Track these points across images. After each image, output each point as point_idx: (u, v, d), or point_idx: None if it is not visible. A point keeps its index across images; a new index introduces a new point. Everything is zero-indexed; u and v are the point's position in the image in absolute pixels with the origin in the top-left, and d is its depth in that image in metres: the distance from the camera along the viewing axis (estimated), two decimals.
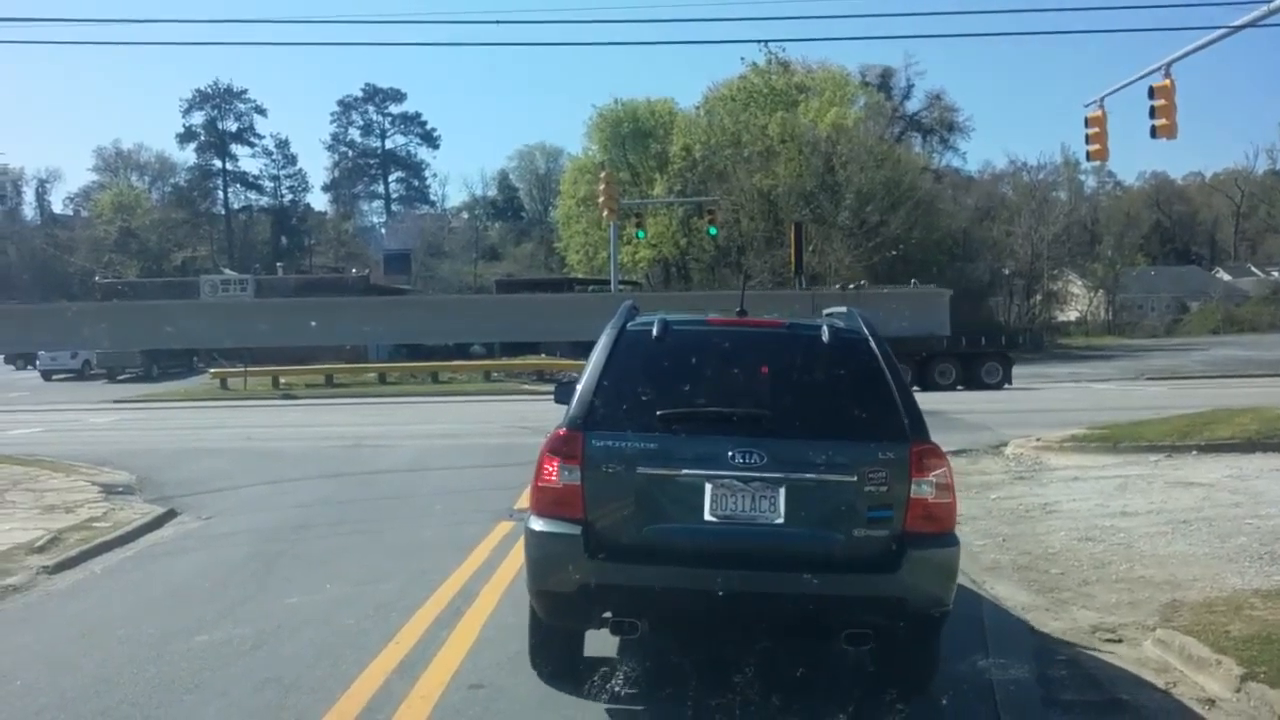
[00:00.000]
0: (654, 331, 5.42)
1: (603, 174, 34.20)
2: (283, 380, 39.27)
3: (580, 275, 60.52)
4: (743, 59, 58.92)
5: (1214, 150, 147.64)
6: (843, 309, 6.10)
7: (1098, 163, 23.12)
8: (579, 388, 5.28)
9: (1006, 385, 32.64)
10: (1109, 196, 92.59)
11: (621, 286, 53.76)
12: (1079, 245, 75.56)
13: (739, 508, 4.93)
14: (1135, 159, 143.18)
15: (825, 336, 5.44)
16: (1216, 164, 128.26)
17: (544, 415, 20.14)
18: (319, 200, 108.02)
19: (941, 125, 63.37)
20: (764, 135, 53.07)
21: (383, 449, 17.01)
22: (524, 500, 11.12)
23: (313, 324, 34.52)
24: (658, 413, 5.10)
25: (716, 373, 5.36)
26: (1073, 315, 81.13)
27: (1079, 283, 79.24)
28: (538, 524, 5.09)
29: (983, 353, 34.70)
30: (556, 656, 5.47)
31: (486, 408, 26.67)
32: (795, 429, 5.10)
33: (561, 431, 5.14)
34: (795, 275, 40.08)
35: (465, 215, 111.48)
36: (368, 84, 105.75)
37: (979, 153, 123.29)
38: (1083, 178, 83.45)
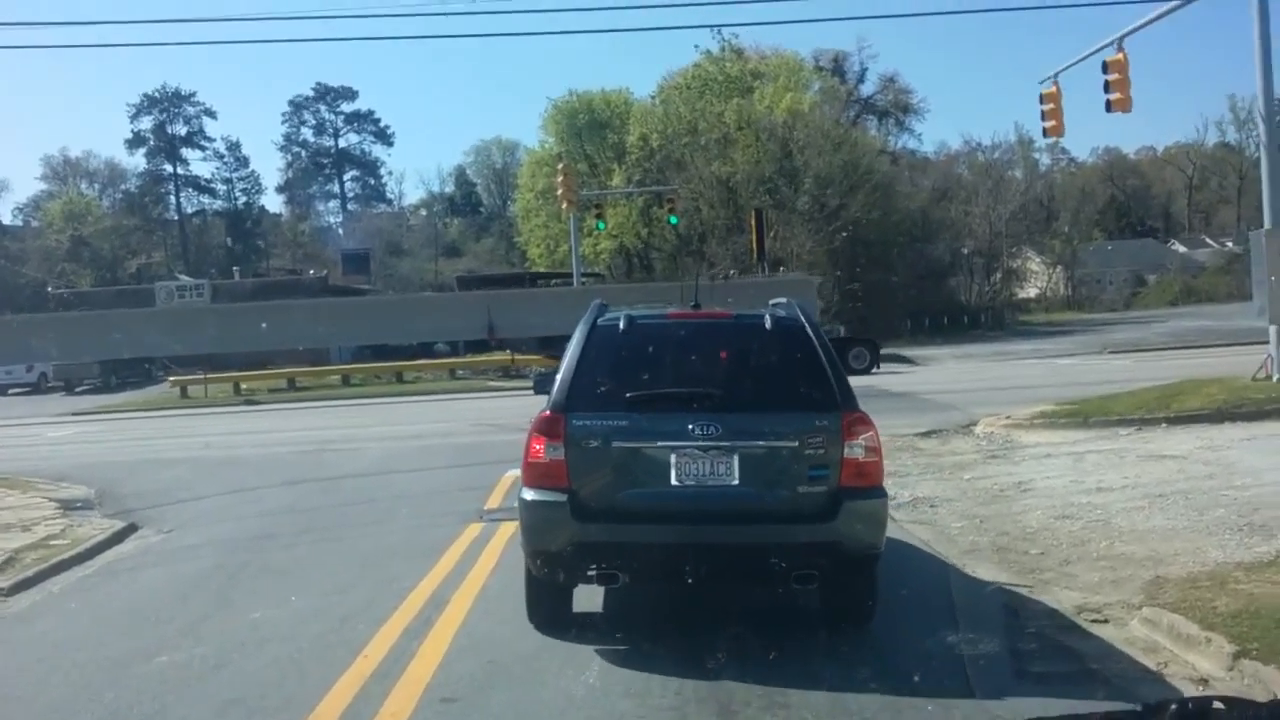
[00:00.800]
0: (621, 325, 6.27)
1: (560, 165, 33.86)
2: (244, 386, 38.69)
3: (542, 269, 60.15)
4: (696, 46, 58.80)
5: (1165, 124, 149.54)
6: (783, 300, 6.86)
7: (1053, 139, 23.23)
8: (558, 376, 6.07)
9: (874, 370, 33.10)
10: (1064, 173, 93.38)
11: (584, 279, 53.47)
12: (1036, 222, 76.20)
13: (700, 473, 5.79)
14: (1088, 135, 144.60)
15: (768, 324, 6.30)
16: (1168, 137, 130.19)
17: (511, 412, 19.82)
18: (274, 202, 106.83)
19: (896, 107, 63.49)
20: (720, 123, 52.94)
21: (347, 453, 16.70)
22: (494, 500, 10.94)
23: (263, 326, 34.05)
24: (627, 395, 5.96)
25: (676, 359, 6.26)
26: (1033, 292, 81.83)
27: (1037, 260, 79.87)
28: (529, 494, 5.97)
29: (850, 339, 36.22)
30: (549, 609, 6.24)
31: (453, 406, 26.37)
32: (745, 404, 5.99)
33: (546, 414, 5.98)
34: (757, 261, 40.04)
35: (424, 213, 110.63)
36: (318, 83, 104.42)
37: (935, 134, 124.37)
38: (1037, 155, 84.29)
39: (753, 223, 39.88)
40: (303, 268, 71.95)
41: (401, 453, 16.16)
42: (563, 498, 5.82)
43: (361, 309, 40.65)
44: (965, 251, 66.85)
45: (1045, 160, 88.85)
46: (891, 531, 8.91)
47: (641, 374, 6.10)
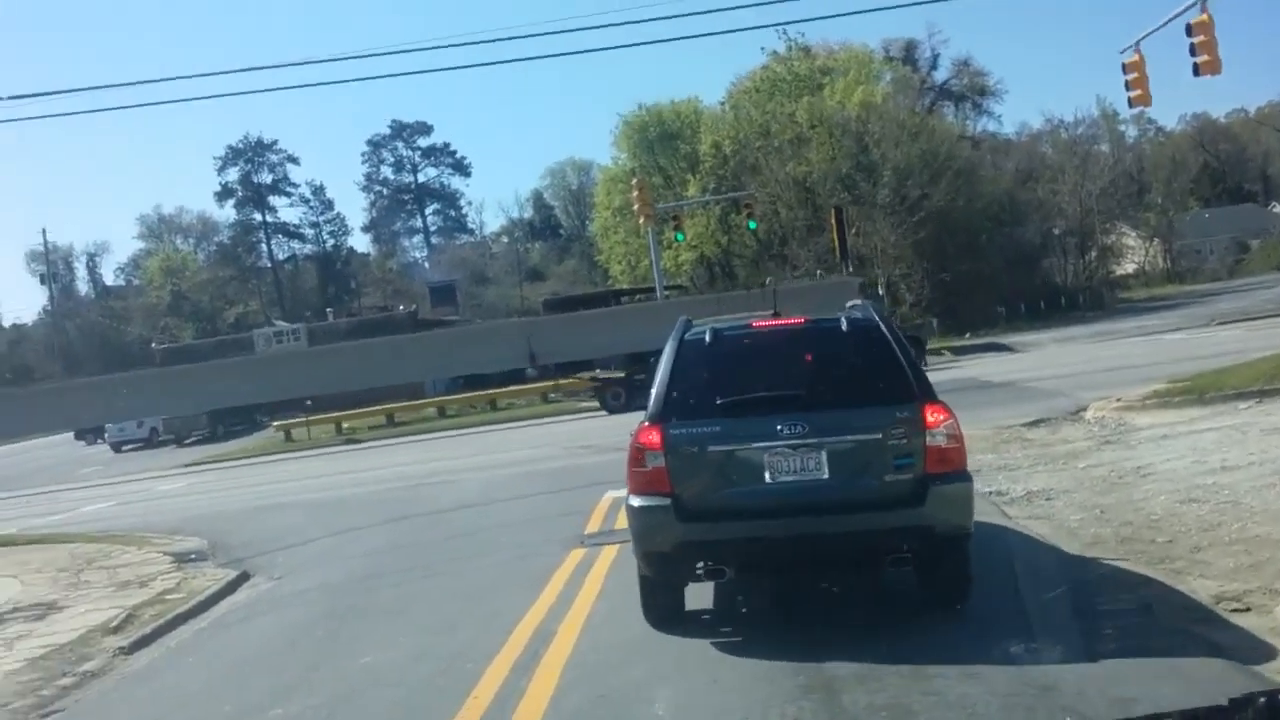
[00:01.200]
0: (707, 338, 6.72)
1: (634, 180, 33.76)
2: (345, 425, 39.44)
3: (625, 285, 60.21)
4: (763, 49, 58.35)
5: (1255, 83, 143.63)
6: (858, 302, 7.52)
7: (1138, 109, 22.32)
8: (653, 390, 6.55)
9: (923, 365, 32.29)
10: (1152, 143, 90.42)
11: (667, 292, 53.30)
12: (1127, 196, 73.83)
13: (791, 470, 6.15)
14: (1174, 102, 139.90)
15: (844, 326, 6.73)
16: (1260, 97, 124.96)
17: (603, 432, 19.79)
18: (360, 241, 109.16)
19: (972, 91, 62.08)
20: (793, 122, 52.42)
21: (447, 485, 16.79)
22: (594, 523, 10.83)
23: (355, 366, 34.96)
24: (718, 401, 6.38)
25: (760, 364, 6.70)
26: (1130, 268, 79.32)
27: (1133, 235, 77.41)
28: (636, 500, 6.39)
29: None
30: (662, 608, 6.64)
31: (546, 430, 26.45)
32: (828, 402, 6.35)
33: (645, 425, 6.42)
34: (840, 260, 39.45)
35: (505, 240, 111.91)
36: (394, 120, 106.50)
37: (1014, 115, 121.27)
38: (1123, 128, 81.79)
39: (833, 221, 39.31)
40: (392, 304, 73.26)
41: (499, 481, 16.20)
42: (666, 501, 6.24)
43: (418, 345, 41.02)
44: (1056, 232, 65.07)
45: (1132, 132, 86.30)
46: (1007, 528, 8.63)
47: (730, 381, 6.53)
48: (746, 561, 6.35)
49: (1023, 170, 68.05)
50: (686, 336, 6.80)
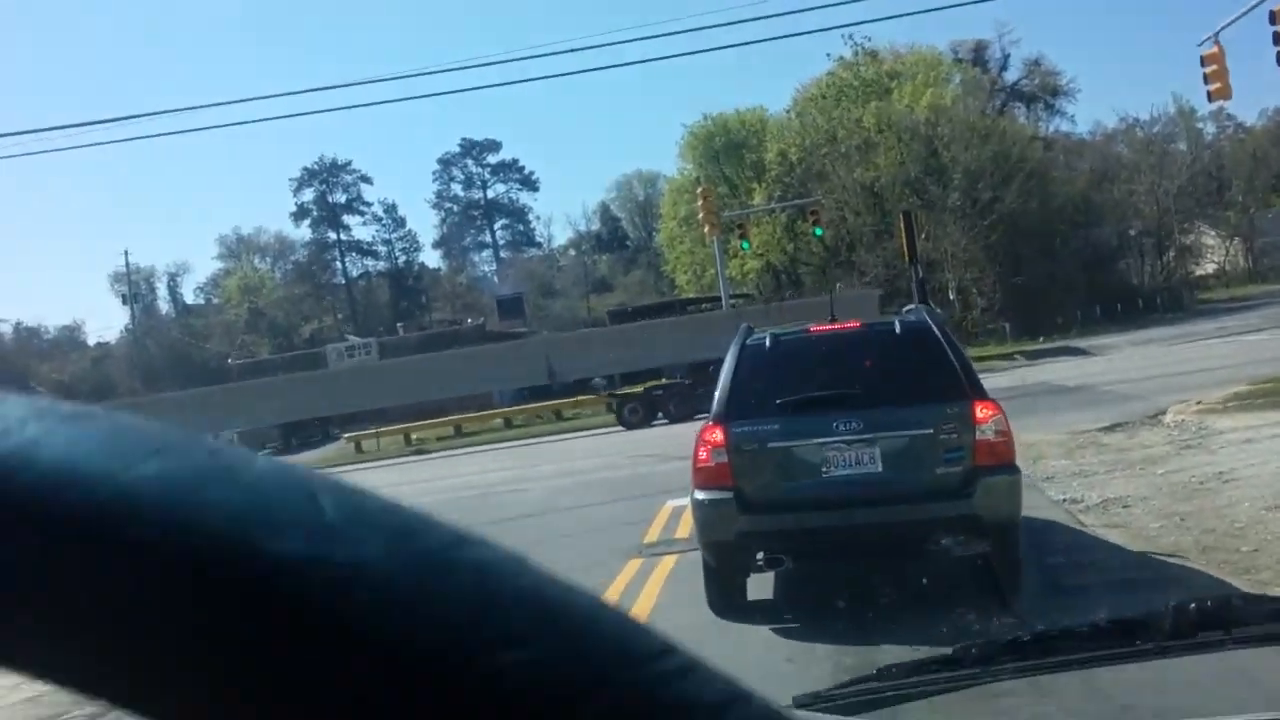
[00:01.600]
0: (767, 343, 7.13)
1: (699, 189, 33.58)
2: (414, 436, 39.84)
3: (691, 295, 60.07)
4: (828, 55, 57.96)
5: None
6: (913, 306, 8.22)
7: (1217, 104, 21.65)
8: (717, 392, 6.97)
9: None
10: (1231, 140, 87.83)
11: (733, 300, 52.99)
12: (1206, 195, 71.82)
13: (846, 464, 6.54)
14: (1254, 97, 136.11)
15: (897, 329, 7.17)
16: None
17: (666, 441, 19.50)
18: (432, 257, 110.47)
19: (1044, 91, 60.80)
20: (860, 128, 51.90)
21: (512, 494, 16.76)
22: (653, 533, 10.68)
23: (428, 379, 35.48)
24: (777, 401, 6.78)
25: (817, 367, 7.05)
26: (1210, 268, 77.05)
27: (1212, 234, 75.22)
28: (700, 494, 6.81)
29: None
30: (725, 597, 6.95)
31: (610, 440, 26.39)
32: (882, 400, 6.69)
33: (709, 425, 6.87)
34: (910, 265, 38.85)
35: (572, 252, 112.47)
36: (464, 138, 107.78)
37: (1088, 115, 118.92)
38: (1201, 125, 79.55)
39: (901, 225, 38.71)
40: (461, 317, 74.08)
41: (562, 490, 16.13)
42: (729, 495, 6.64)
43: (516, 350, 41.36)
44: (1132, 233, 63.53)
45: (1210, 129, 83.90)
46: (1083, 533, 8.31)
47: (787, 383, 6.91)
48: (804, 551, 6.74)
49: (1097, 171, 66.59)
50: (748, 342, 7.19)
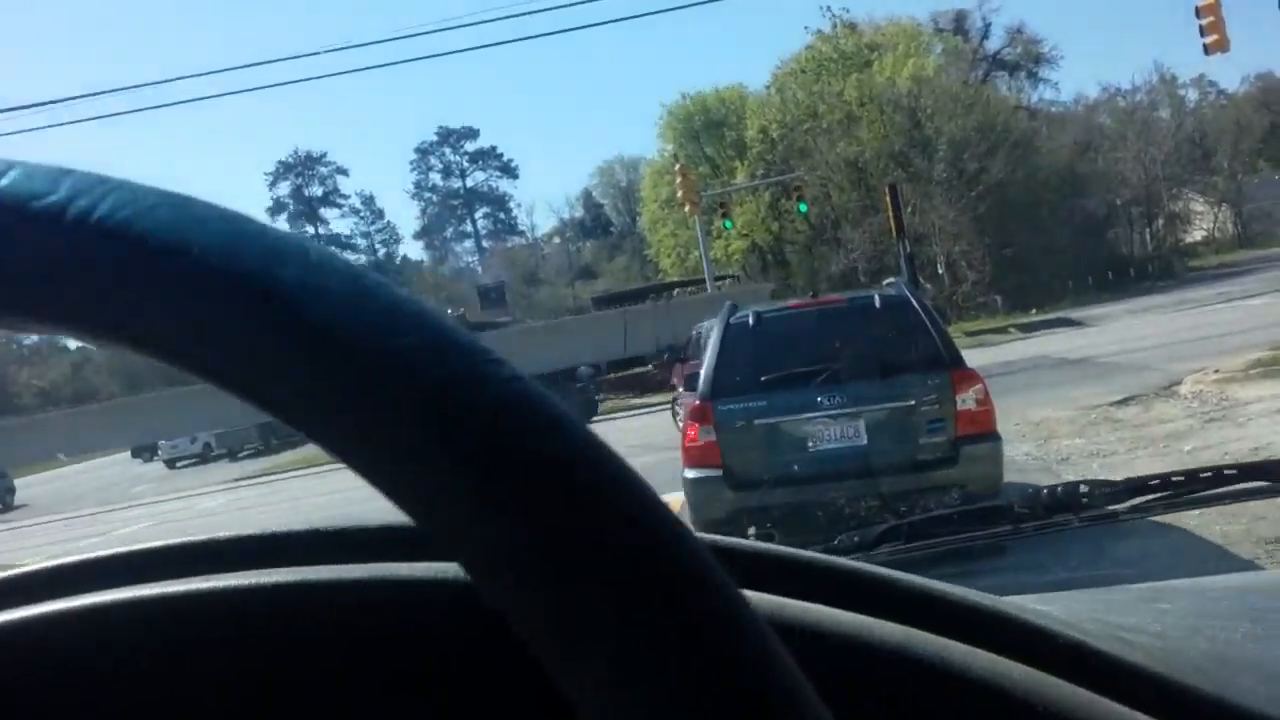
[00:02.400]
0: (750, 321, 7.15)
1: (677, 167, 32.38)
2: None
3: (676, 278, 59.09)
4: (806, 28, 56.90)
5: None
6: (893, 279, 8.35)
7: (1214, 54, 20.63)
8: (702, 371, 7.03)
9: None
10: (1213, 107, 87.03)
11: (718, 282, 51.95)
12: (1192, 162, 71.08)
13: (832, 437, 6.62)
14: (1236, 63, 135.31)
15: (877, 303, 7.18)
16: None
17: (661, 429, 18.44)
18: (414, 249, 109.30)
19: (1028, 59, 59.78)
20: (841, 102, 50.82)
21: None
22: None
23: None
24: (761, 379, 6.82)
25: (800, 342, 7.11)
26: (1199, 235, 76.37)
27: (1200, 200, 74.52)
28: (691, 474, 6.81)
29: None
30: None
31: (604, 428, 25.32)
32: (864, 373, 6.73)
33: (696, 404, 6.93)
34: (897, 239, 37.86)
35: (556, 240, 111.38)
36: (441, 126, 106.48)
37: (1071, 82, 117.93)
38: (1183, 92, 78.59)
39: (887, 199, 37.77)
40: (443, 309, 72.96)
41: None
42: (718, 473, 6.70)
43: (493, 340, 40.55)
44: (1119, 202, 62.62)
45: (1193, 96, 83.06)
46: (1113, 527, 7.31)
47: (772, 359, 6.97)
48: (793, 525, 6.55)
49: (1080, 141, 65.66)
50: (731, 320, 7.21)
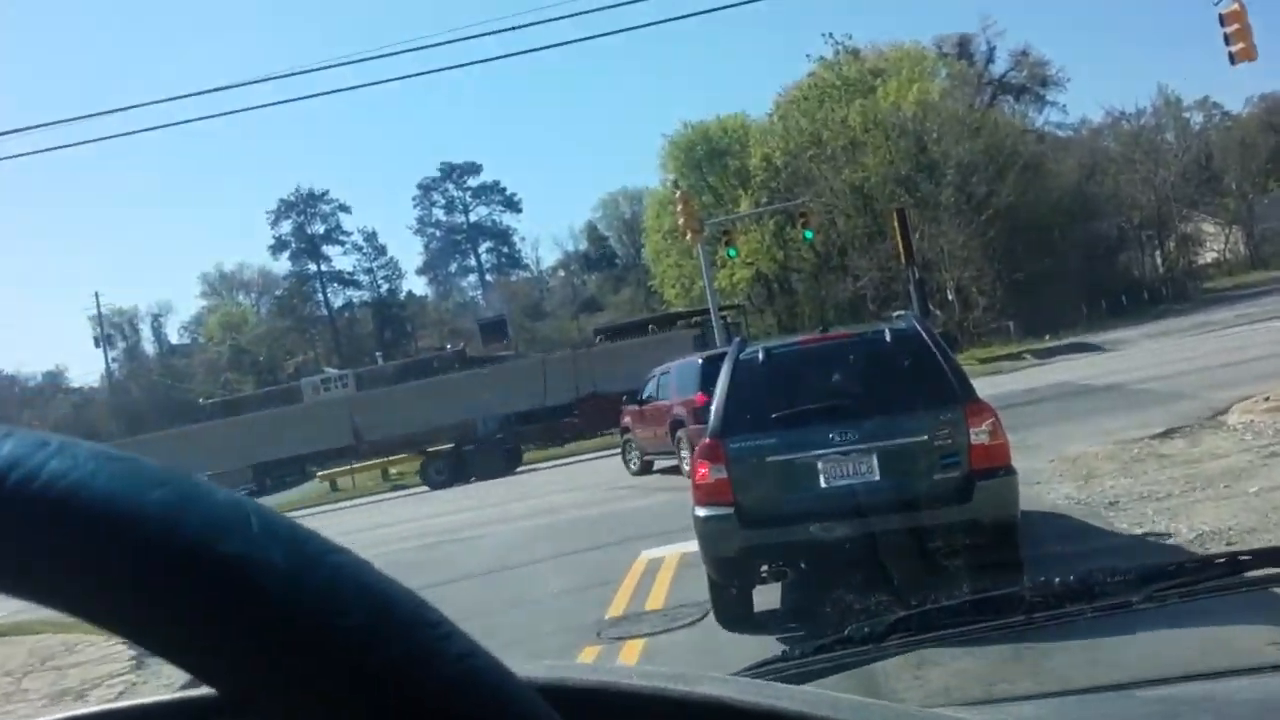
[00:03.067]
0: (760, 356, 7.11)
1: (678, 194, 31.28)
2: (393, 470, 37.66)
3: (680, 309, 58.03)
4: (808, 56, 56.08)
5: None
6: (902, 312, 8.31)
7: (1239, 62, 19.56)
8: (714, 406, 6.94)
9: None
10: (1218, 129, 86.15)
11: (723, 312, 50.86)
12: (1200, 185, 70.03)
13: (845, 474, 6.53)
14: (1239, 85, 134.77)
15: (887, 337, 7.11)
16: None
17: (598, 477, 16.89)
18: (418, 284, 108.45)
19: (1034, 81, 58.88)
20: (845, 128, 49.93)
21: (466, 544, 14.50)
22: (620, 602, 8.44)
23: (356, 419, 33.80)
24: (773, 415, 6.76)
25: (811, 378, 7.03)
26: (1209, 257, 75.23)
27: (1210, 222, 73.45)
28: (702, 511, 6.76)
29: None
30: (732, 611, 6.87)
31: (592, 467, 24.20)
32: (876, 408, 6.69)
33: (706, 441, 6.86)
34: (906, 265, 36.75)
35: (561, 273, 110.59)
36: (443, 162, 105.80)
37: (1078, 104, 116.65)
38: (1187, 115, 77.64)
39: (895, 224, 36.70)
40: (444, 345, 71.84)
41: (523, 537, 13.86)
42: (730, 510, 6.61)
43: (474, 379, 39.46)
44: (1122, 225, 61.41)
45: (1198, 118, 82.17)
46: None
47: (783, 396, 6.89)
48: (806, 562, 6.79)
49: (1086, 165, 64.65)
50: (741, 356, 7.16)
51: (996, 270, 44.24)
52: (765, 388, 6.94)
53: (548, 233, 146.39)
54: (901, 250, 36.58)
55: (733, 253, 37.11)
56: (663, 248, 60.65)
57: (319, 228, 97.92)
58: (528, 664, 0.69)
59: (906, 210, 37.65)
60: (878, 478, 6.47)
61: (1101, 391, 17.54)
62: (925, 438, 6.52)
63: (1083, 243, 54.17)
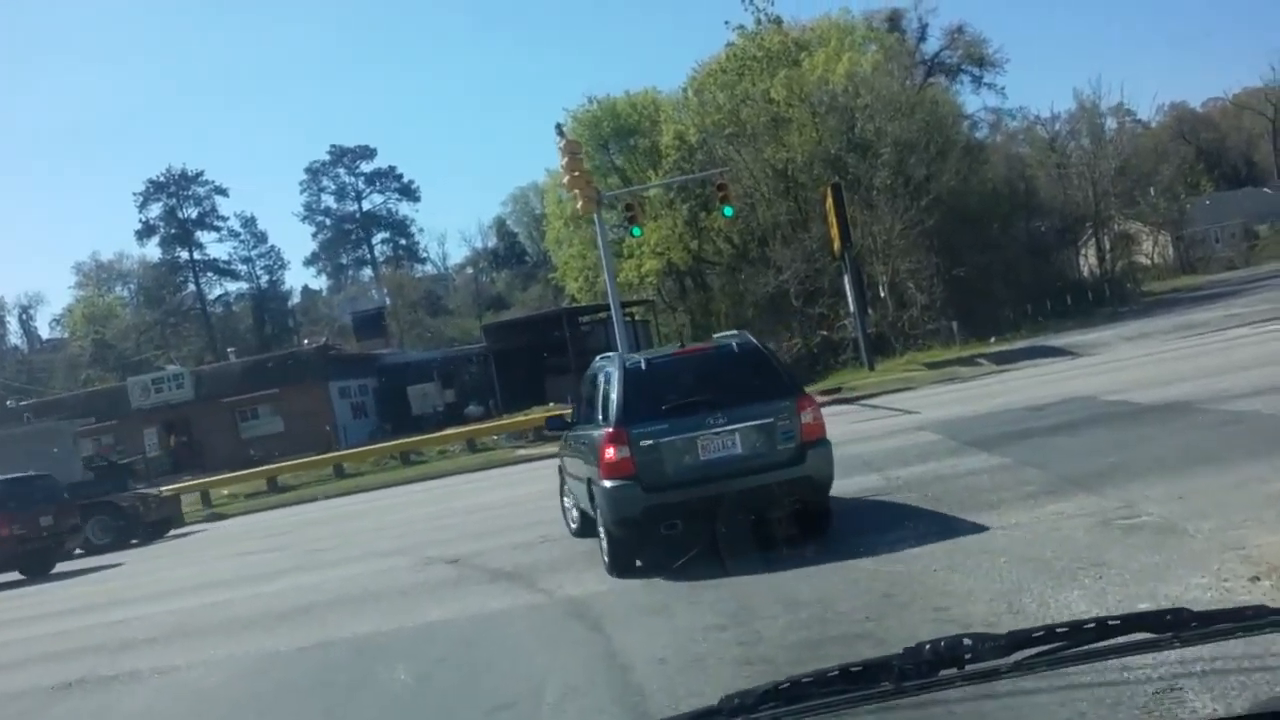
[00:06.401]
0: (642, 365, 9.50)
1: (561, 143, 24.75)
2: (224, 492, 30.97)
3: (582, 303, 52.06)
4: (727, 23, 50.32)
5: (1227, 73, 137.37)
6: (734, 331, 10.96)
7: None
8: (612, 404, 9.07)
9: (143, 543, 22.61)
10: (1129, 135, 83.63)
11: (630, 309, 44.93)
12: (1130, 185, 66.44)
13: (717, 448, 8.85)
14: (1149, 93, 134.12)
15: (735, 349, 9.60)
16: (1235, 84, 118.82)
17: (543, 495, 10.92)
18: (304, 276, 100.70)
19: (970, 60, 54.12)
20: (768, 103, 44.35)
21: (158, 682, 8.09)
22: None
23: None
24: (663, 407, 8.98)
25: (686, 379, 9.44)
26: (1142, 260, 71.98)
27: (1139, 226, 70.09)
28: (609, 483, 8.82)
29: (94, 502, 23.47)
30: (625, 562, 8.98)
31: (468, 491, 18.12)
32: (735, 400, 9.01)
33: (611, 430, 8.92)
34: (841, 252, 31.14)
35: (469, 270, 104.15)
36: (334, 145, 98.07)
37: (1019, 90, 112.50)
38: (1101, 119, 74.25)
39: (829, 203, 31.18)
40: (337, 342, 64.77)
41: (360, 607, 7.60)
42: (632, 481, 8.70)
43: None
44: (1041, 229, 57.00)
45: (1111, 124, 79.02)
46: None
47: (665, 392, 9.13)
48: (690, 517, 8.78)
49: (1014, 159, 60.32)
50: (628, 365, 9.35)
51: (936, 264, 39.00)
52: (650, 388, 9.16)
53: (454, 227, 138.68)
54: (835, 234, 31.00)
55: (637, 231, 31.03)
56: (564, 236, 54.62)
57: (191, 212, 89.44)
58: None
59: (841, 187, 32.12)
60: (740, 450, 8.83)
61: (1154, 411, 11.95)
62: (771, 420, 8.90)
63: (1024, 239, 49.62)
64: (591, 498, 9.24)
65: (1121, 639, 1.88)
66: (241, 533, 20.43)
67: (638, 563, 8.91)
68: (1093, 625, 1.89)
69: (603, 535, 8.99)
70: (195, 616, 10.05)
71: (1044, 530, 7.25)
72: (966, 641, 1.88)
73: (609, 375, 9.20)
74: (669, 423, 8.67)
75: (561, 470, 11.63)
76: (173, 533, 24.00)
